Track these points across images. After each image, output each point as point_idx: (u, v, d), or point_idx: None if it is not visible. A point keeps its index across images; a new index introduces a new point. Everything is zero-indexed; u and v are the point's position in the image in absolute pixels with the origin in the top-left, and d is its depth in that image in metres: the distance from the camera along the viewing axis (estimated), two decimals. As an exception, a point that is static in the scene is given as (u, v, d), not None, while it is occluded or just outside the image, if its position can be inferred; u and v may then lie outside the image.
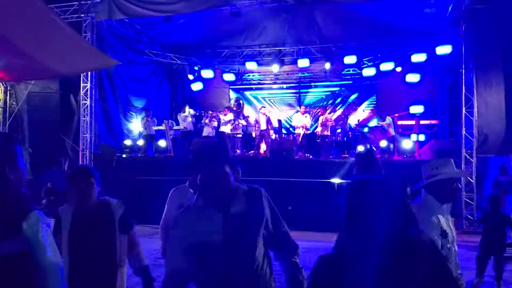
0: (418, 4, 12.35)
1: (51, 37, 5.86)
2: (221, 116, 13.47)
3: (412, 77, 15.34)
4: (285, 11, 14.00)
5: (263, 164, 11.41)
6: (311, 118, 14.71)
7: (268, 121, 13.93)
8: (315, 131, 13.95)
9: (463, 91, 10.38)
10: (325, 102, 17.28)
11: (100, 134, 13.08)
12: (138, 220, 10.64)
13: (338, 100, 17.38)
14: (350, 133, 13.97)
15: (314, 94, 17.70)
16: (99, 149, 12.58)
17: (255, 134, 14.23)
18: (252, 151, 13.78)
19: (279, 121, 13.90)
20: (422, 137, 13.05)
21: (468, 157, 10.26)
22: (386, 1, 12.22)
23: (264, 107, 14.90)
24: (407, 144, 12.34)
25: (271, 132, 14.10)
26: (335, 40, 15.48)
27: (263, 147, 13.59)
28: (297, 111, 15.45)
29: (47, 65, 6.17)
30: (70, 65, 6.47)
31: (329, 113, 13.99)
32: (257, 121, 14.18)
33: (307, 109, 15.22)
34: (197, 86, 17.13)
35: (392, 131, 13.28)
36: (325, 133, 13.17)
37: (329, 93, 17.50)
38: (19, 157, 2.15)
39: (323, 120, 13.19)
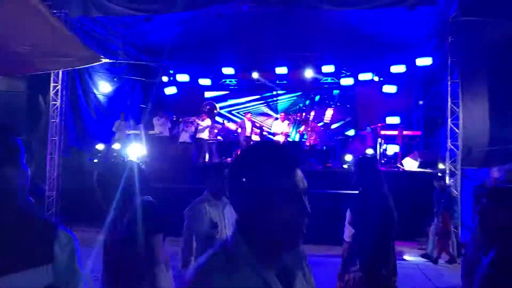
0: (398, 15, 12.35)
1: (38, 29, 5.33)
2: (199, 122, 12.98)
3: (389, 88, 15.38)
4: (264, 18, 13.82)
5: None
6: (292, 124, 14.43)
7: (253, 128, 13.60)
8: (304, 141, 13.73)
9: (449, 103, 10.35)
10: (298, 106, 17.18)
11: (70, 138, 12.36)
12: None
13: (307, 102, 17.35)
14: (329, 142, 13.80)
15: (288, 99, 17.56)
16: (68, 153, 11.86)
17: (240, 140, 13.81)
18: (229, 158, 13.38)
19: (261, 127, 13.56)
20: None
21: (453, 169, 10.21)
22: (366, 12, 12.15)
23: (250, 113, 14.49)
24: (391, 150, 12.34)
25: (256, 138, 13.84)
26: (313, 48, 15.37)
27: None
28: (277, 118, 15.18)
29: (32, 59, 5.63)
30: (57, 60, 5.94)
31: (313, 121, 13.70)
32: (241, 127, 13.73)
33: (287, 116, 14.91)
34: (171, 90, 16.61)
35: (371, 141, 13.22)
36: (311, 141, 12.95)
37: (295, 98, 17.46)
38: (22, 155, 1.61)
39: (311, 127, 12.95)
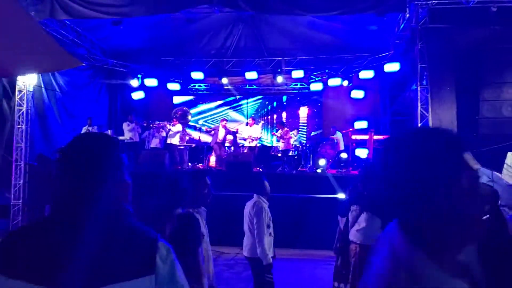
0: (367, 21, 12.59)
1: (14, 31, 5.13)
2: (170, 127, 12.81)
3: (357, 93, 15.61)
4: (234, 22, 13.83)
5: (219, 178, 10.93)
6: (261, 129, 14.41)
7: (226, 135, 13.52)
8: (278, 146, 13.74)
9: (419, 108, 10.57)
10: (266, 109, 17.26)
11: (36, 144, 11.95)
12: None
13: (274, 103, 17.54)
14: (300, 147, 13.86)
15: (253, 103, 17.68)
16: (35, 160, 11.47)
17: (212, 144, 13.69)
18: (200, 164, 13.27)
19: (234, 132, 13.48)
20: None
21: (423, 172, 10.42)
22: (335, 18, 12.31)
23: (226, 120, 14.36)
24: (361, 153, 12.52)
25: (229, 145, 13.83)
26: (283, 53, 15.46)
27: (212, 159, 13.12)
28: (247, 123, 15.17)
29: (7, 62, 5.43)
30: (33, 63, 5.74)
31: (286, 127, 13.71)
32: (215, 132, 13.59)
33: (256, 120, 14.89)
34: (138, 95, 16.29)
35: (342, 145, 13.38)
36: (282, 146, 12.96)
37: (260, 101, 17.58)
38: (125, 168, 1.63)
39: (282, 134, 12.95)
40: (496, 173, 11.47)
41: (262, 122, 16.58)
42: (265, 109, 17.43)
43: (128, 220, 1.52)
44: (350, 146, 12.24)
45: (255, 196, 5.10)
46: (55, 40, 6.04)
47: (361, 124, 15.18)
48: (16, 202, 11.12)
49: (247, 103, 17.51)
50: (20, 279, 1.33)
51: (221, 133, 13.45)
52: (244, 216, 5.18)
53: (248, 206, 5.10)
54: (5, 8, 4.89)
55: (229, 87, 16.80)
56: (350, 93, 15.63)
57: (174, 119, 13.04)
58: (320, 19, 12.84)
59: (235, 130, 14.27)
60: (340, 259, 5.27)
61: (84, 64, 10.54)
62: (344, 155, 11.96)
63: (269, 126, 16.03)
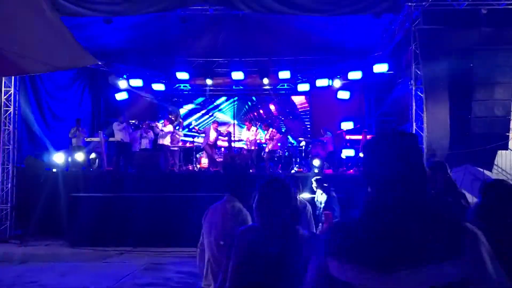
0: (355, 22, 12.69)
1: (35, 26, 4.95)
2: (161, 127, 12.58)
3: (343, 94, 15.75)
4: (220, 22, 13.70)
5: (214, 180, 10.81)
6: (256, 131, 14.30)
7: (217, 138, 13.37)
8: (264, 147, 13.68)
9: (413, 108, 10.74)
10: (244, 109, 17.46)
11: (23, 146, 11.54)
12: (89, 240, 9.55)
13: (249, 103, 17.79)
14: (290, 147, 13.87)
15: (229, 105, 17.76)
16: (23, 163, 11.07)
17: (203, 146, 13.50)
18: (191, 165, 13.11)
19: (228, 134, 13.35)
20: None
21: (419, 171, 10.58)
22: (324, 19, 12.36)
23: (217, 122, 14.18)
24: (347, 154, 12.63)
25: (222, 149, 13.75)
26: (270, 54, 15.43)
27: (203, 161, 12.98)
28: (241, 126, 15.10)
29: (21, 59, 5.23)
30: (51, 59, 5.55)
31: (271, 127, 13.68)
32: (205, 134, 13.38)
33: (253, 122, 14.78)
34: (122, 96, 15.94)
35: (331, 146, 13.46)
36: (270, 147, 12.89)
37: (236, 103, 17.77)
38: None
39: (271, 135, 12.89)
40: (486, 172, 11.80)
41: (259, 124, 16.65)
42: (244, 109, 17.46)
43: (434, 206, 1.59)
44: (344, 147, 12.33)
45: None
46: (73, 36, 5.81)
47: (347, 125, 15.31)
48: (4, 207, 10.70)
49: (234, 105, 17.45)
50: (354, 263, 1.50)
51: (213, 135, 13.28)
52: None
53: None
54: (27, 4, 4.72)
55: (214, 87, 16.69)
56: (336, 94, 15.76)
57: (165, 120, 12.82)
58: (309, 21, 12.85)
59: (225, 133, 14.13)
60: None
61: (100, 63, 10.18)
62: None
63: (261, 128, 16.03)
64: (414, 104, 10.76)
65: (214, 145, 13.24)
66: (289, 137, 15.02)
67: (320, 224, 8.36)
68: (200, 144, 13.55)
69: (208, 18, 12.73)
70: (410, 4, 10.63)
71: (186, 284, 6.68)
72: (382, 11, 10.89)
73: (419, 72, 10.78)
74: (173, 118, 13.23)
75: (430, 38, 10.79)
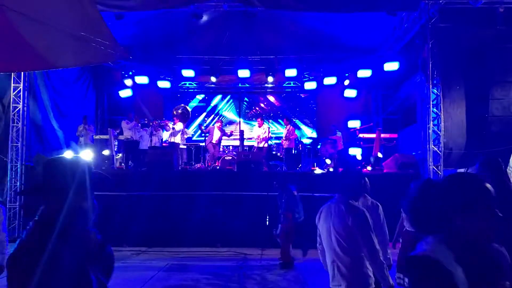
0: (364, 20, 12.55)
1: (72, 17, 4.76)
2: (172, 125, 12.36)
3: (350, 93, 15.64)
4: (227, 20, 13.52)
5: (230, 177, 10.64)
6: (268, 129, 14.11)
7: (221, 138, 13.18)
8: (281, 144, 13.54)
9: (430, 107, 10.64)
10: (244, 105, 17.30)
11: (29, 144, 11.26)
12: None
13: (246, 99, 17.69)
14: (300, 146, 13.71)
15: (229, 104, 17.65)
16: (31, 161, 10.81)
17: (205, 145, 13.30)
18: (199, 164, 12.90)
19: (241, 131, 13.14)
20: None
21: (436, 170, 10.51)
22: (333, 17, 12.24)
23: (221, 121, 13.99)
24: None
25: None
26: (277, 52, 15.28)
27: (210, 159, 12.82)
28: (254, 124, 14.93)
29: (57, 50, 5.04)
30: (81, 54, 5.35)
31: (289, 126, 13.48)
32: (209, 133, 13.19)
33: (264, 121, 14.57)
34: (126, 93, 15.67)
35: (341, 145, 13.34)
36: (286, 145, 12.76)
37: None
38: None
39: (287, 134, 12.74)
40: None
41: (271, 121, 16.50)
42: (244, 105, 17.38)
43: None
44: (357, 145, 12.22)
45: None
46: (107, 30, 5.61)
47: (354, 123, 15.21)
48: (12, 205, 10.43)
49: (240, 102, 17.32)
50: None
51: (216, 134, 13.09)
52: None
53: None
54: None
55: (222, 84, 16.54)
56: (343, 92, 15.66)
57: (175, 118, 12.61)
58: (317, 18, 12.70)
59: (229, 133, 13.93)
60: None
61: (131, 57, 9.97)
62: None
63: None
64: (431, 103, 10.64)
65: (218, 144, 13.05)
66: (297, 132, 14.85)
67: (279, 225, 8.18)
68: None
69: (216, 15, 12.58)
70: (427, 1, 10.52)
71: (217, 285, 6.50)
72: (398, 8, 10.82)
73: (435, 71, 10.68)
74: (180, 112, 12.93)
75: (446, 36, 10.73)
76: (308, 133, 17.10)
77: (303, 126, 17.27)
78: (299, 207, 8.26)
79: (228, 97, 17.45)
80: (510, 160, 11.43)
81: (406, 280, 5.09)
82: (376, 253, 3.14)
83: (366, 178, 4.65)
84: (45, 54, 5.14)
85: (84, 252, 1.65)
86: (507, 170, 11.83)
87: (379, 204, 4.65)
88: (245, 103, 17.51)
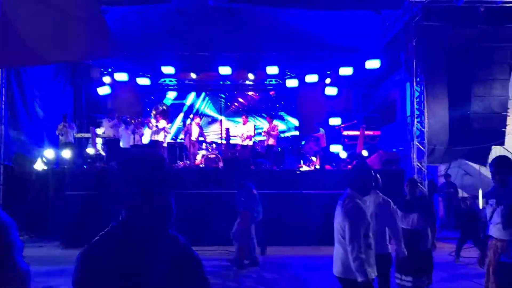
0: (346, 18, 12.63)
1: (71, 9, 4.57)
2: (154, 123, 12.15)
3: (331, 90, 15.73)
4: (208, 16, 13.39)
5: (217, 176, 10.54)
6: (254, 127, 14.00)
7: (201, 134, 13.02)
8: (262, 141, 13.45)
9: (415, 104, 10.79)
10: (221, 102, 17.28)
11: (7, 143, 10.89)
12: (86, 241, 9.05)
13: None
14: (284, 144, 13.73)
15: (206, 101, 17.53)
16: (11, 161, 10.47)
17: (185, 143, 13.10)
18: (181, 162, 12.72)
19: (227, 129, 12.98)
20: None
21: (420, 166, 10.67)
22: (315, 15, 12.26)
23: (199, 117, 13.81)
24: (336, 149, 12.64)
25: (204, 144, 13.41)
26: (259, 49, 15.20)
27: (198, 157, 12.64)
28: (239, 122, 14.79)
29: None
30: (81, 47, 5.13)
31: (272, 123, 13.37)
32: (188, 131, 12.99)
33: (248, 118, 14.41)
34: (104, 90, 15.33)
35: (324, 142, 13.39)
36: (269, 142, 12.68)
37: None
38: None
39: (269, 129, 12.67)
40: (482, 168, 11.99)
41: (255, 116, 16.42)
42: (221, 103, 17.25)
43: None
44: (341, 142, 12.30)
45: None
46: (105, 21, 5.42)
47: (335, 121, 15.29)
48: (-9, 206, 10.07)
49: (220, 99, 17.19)
50: None
51: (195, 131, 12.93)
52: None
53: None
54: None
55: (202, 81, 16.38)
56: (324, 90, 15.73)
57: (158, 115, 12.39)
58: (299, 16, 12.69)
59: (225, 127, 13.73)
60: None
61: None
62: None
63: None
64: (415, 100, 10.80)
65: (197, 141, 12.89)
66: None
67: (236, 223, 8.13)
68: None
69: (198, 11, 12.42)
70: (411, 0, 10.66)
71: (215, 285, 6.41)
72: (383, 7, 10.91)
73: (419, 68, 10.83)
74: (164, 108, 12.72)
75: (430, 34, 10.88)
76: (295, 123, 17.14)
77: (289, 118, 17.30)
78: (258, 205, 8.14)
79: (203, 94, 17.27)
80: (490, 155, 11.69)
81: (406, 279, 5.09)
82: (350, 249, 3.37)
83: (378, 174, 4.63)
84: (36, 49, 4.95)
85: (170, 259, 1.50)
86: (486, 166, 12.13)
87: (390, 201, 4.66)
88: (222, 100, 17.36)
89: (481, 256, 4.23)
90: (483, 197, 5.10)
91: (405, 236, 5.11)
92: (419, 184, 7.25)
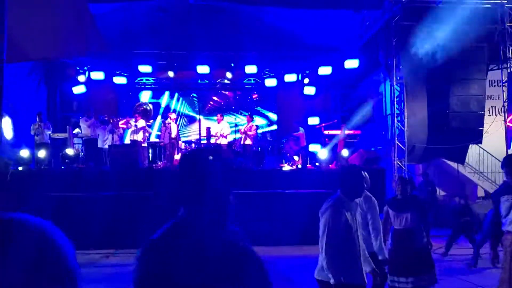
0: (325, 18, 12.68)
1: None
2: (133, 123, 11.94)
3: (309, 90, 15.77)
4: (187, 14, 13.27)
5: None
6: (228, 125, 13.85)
7: (178, 131, 12.85)
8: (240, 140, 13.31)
9: (395, 102, 10.88)
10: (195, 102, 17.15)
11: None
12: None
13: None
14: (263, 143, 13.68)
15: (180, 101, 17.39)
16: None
17: (164, 142, 12.88)
18: (161, 162, 12.52)
19: (208, 128, 12.80)
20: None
21: (400, 165, 10.76)
22: (295, 14, 12.28)
23: (175, 113, 13.60)
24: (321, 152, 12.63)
25: (181, 142, 13.17)
26: (237, 48, 15.11)
27: (177, 157, 12.44)
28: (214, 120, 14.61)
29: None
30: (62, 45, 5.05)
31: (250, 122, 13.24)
32: (166, 129, 12.77)
33: (223, 117, 14.27)
34: (79, 89, 14.97)
35: (304, 141, 13.41)
36: (246, 142, 12.58)
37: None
38: None
39: (246, 129, 12.57)
40: (460, 166, 12.17)
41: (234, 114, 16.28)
42: (195, 102, 17.11)
43: None
44: (322, 142, 12.32)
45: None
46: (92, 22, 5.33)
47: (313, 120, 15.34)
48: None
49: (198, 98, 16.99)
50: None
51: (174, 129, 12.74)
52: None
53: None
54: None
55: (180, 80, 16.17)
56: (302, 90, 15.76)
57: (137, 115, 12.18)
58: (279, 16, 12.67)
59: (206, 126, 13.53)
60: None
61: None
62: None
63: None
64: (395, 99, 10.89)
65: (178, 138, 12.71)
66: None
67: None
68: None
69: (178, 10, 12.28)
70: (390, 0, 10.75)
71: None
72: (363, 7, 10.99)
73: (398, 68, 10.93)
74: (148, 107, 12.51)
75: (409, 34, 10.99)
76: (274, 118, 17.12)
77: (268, 113, 17.25)
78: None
79: (176, 95, 17.06)
80: (467, 154, 11.88)
81: (406, 280, 4.93)
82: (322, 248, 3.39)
83: (366, 173, 4.55)
84: (27, 45, 4.85)
85: (231, 255, 1.44)
86: (464, 164, 12.32)
87: (371, 195, 4.60)
88: (195, 99, 17.13)
89: (494, 255, 4.23)
90: (490, 197, 5.15)
91: (398, 237, 5.06)
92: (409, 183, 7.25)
